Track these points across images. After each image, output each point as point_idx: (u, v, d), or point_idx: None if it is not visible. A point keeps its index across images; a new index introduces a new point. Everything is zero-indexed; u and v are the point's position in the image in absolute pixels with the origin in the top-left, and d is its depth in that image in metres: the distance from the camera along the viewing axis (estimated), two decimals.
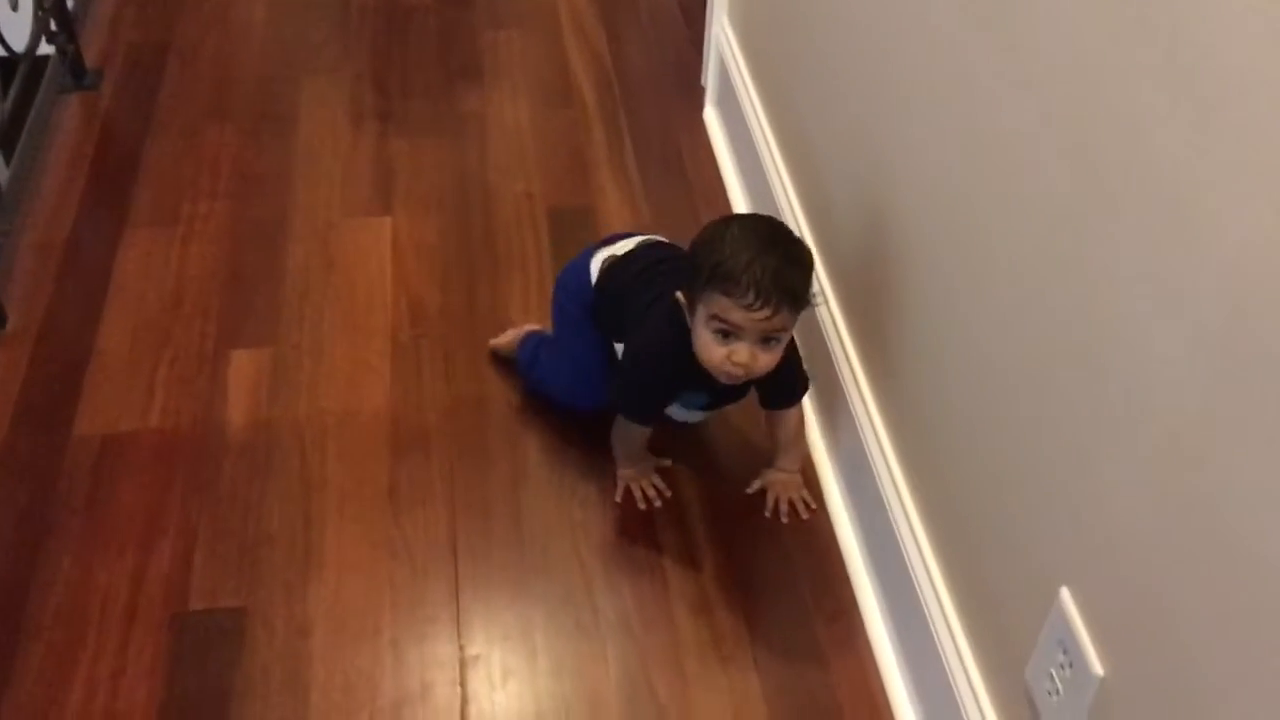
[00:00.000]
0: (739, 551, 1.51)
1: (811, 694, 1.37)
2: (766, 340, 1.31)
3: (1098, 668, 0.95)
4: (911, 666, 1.35)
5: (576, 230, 1.97)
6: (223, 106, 2.24)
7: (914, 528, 1.32)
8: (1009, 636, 1.11)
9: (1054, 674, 1.01)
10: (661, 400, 1.48)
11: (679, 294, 1.36)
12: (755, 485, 1.57)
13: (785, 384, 1.48)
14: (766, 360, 1.32)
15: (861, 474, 1.46)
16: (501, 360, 1.73)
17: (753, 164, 1.93)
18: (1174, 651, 0.85)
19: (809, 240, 1.67)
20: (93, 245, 1.92)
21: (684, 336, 1.36)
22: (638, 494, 1.54)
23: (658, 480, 1.56)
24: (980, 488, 1.16)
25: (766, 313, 1.27)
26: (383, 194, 2.05)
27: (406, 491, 1.58)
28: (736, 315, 1.28)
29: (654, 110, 2.27)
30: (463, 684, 1.37)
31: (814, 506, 1.54)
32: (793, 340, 1.40)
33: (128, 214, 1.99)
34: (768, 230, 1.33)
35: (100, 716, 1.32)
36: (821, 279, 1.64)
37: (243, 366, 1.74)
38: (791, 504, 1.54)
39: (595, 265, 1.54)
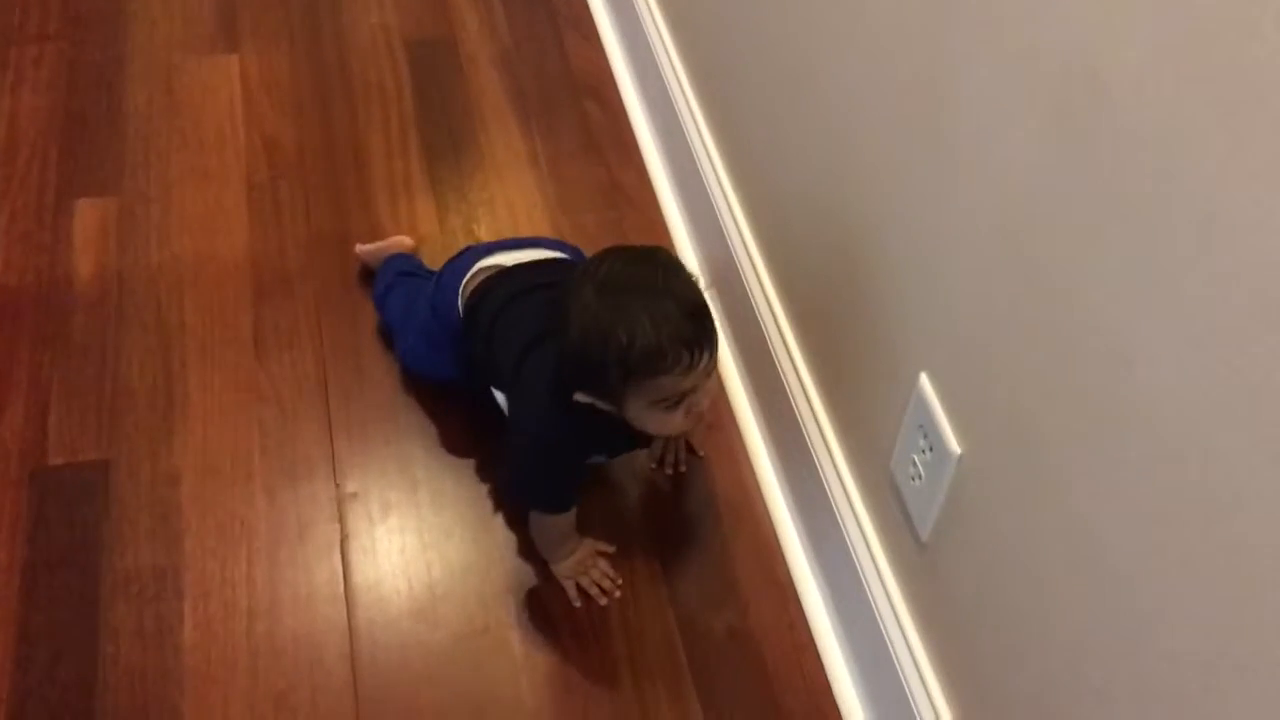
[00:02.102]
0: None
1: (687, 501, 1.39)
2: (709, 373, 1.13)
3: (955, 446, 0.96)
4: (786, 469, 1.37)
5: (437, 62, 1.89)
6: None
7: (783, 331, 1.33)
8: (875, 430, 1.12)
9: (916, 459, 1.03)
10: (570, 484, 1.25)
11: (579, 398, 1.14)
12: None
13: None
14: (715, 384, 1.18)
15: (732, 284, 1.45)
16: (366, 274, 1.57)
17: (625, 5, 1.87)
18: (1024, 428, 0.86)
19: (683, 78, 1.63)
20: None
21: (573, 414, 1.15)
22: (593, 591, 1.29)
23: (605, 566, 1.31)
24: (840, 283, 1.16)
25: (706, 357, 1.09)
26: (227, 31, 1.94)
27: (271, 336, 1.53)
28: (685, 384, 1.09)
29: None
30: (341, 521, 1.36)
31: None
32: None
33: None
34: (634, 273, 1.10)
35: None
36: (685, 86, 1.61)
37: (88, 216, 1.65)
38: None
39: (461, 291, 1.33)
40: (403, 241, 1.58)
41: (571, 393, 1.13)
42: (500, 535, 1.35)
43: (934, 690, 1.06)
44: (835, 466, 1.22)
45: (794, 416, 1.29)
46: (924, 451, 1.01)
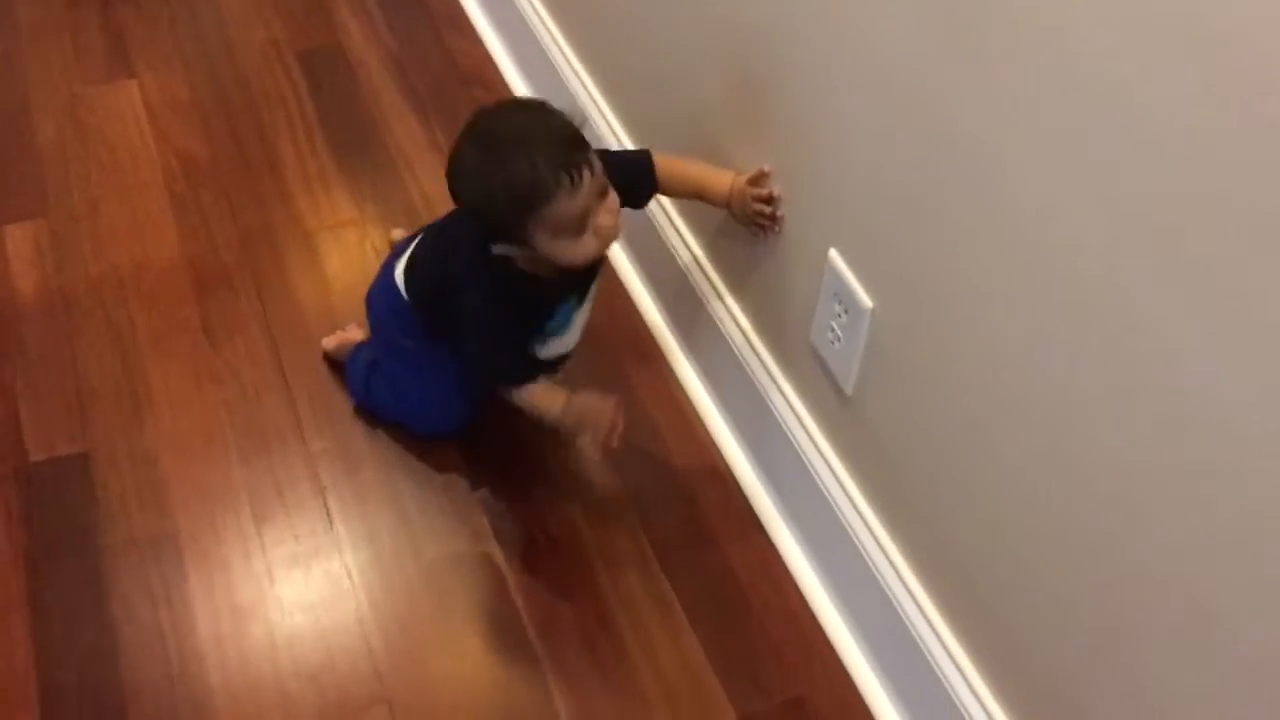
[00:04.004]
0: None
1: (628, 425, 1.55)
2: (603, 193, 1.22)
3: (867, 301, 1.14)
4: (710, 378, 1.53)
5: (329, 69, 2.02)
6: None
7: (690, 246, 1.50)
8: (791, 310, 1.30)
9: (833, 325, 1.21)
10: (524, 345, 1.34)
11: (494, 250, 1.26)
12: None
13: (630, 170, 1.34)
14: (615, 202, 1.24)
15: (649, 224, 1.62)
16: (337, 365, 1.58)
17: None
18: (924, 278, 1.05)
19: (575, 60, 1.78)
20: None
21: (503, 273, 1.27)
22: (602, 438, 1.32)
23: (606, 409, 1.31)
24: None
25: (587, 175, 1.18)
26: (121, 59, 2.03)
27: (220, 324, 1.63)
28: (575, 205, 1.18)
29: None
30: (317, 476, 1.47)
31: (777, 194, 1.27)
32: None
33: None
34: (506, 122, 1.22)
35: None
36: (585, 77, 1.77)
37: (19, 241, 1.72)
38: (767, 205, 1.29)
39: (399, 278, 1.43)
40: (352, 335, 1.58)
41: (489, 249, 1.25)
42: (468, 459, 1.49)
43: (873, 524, 1.24)
44: (756, 353, 1.39)
45: (714, 324, 1.46)
46: (840, 315, 1.19)
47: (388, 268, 1.46)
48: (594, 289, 1.39)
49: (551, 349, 1.38)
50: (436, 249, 1.40)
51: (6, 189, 1.80)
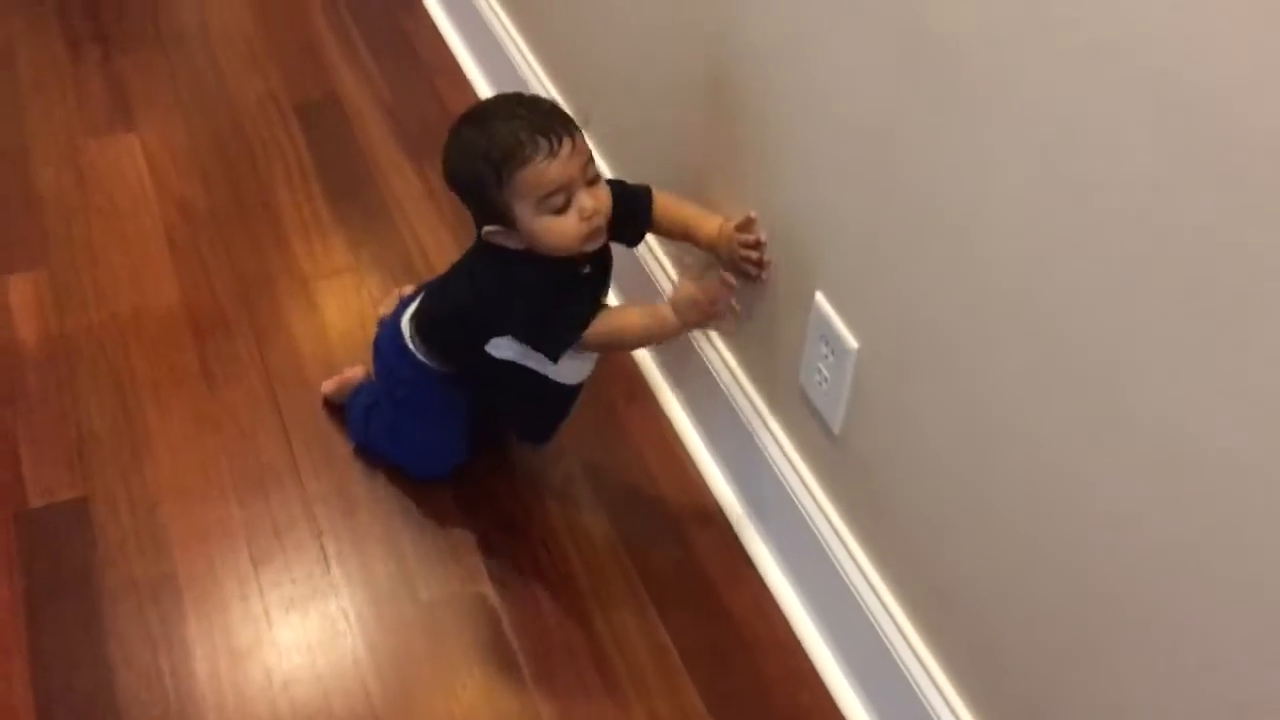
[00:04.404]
0: None
1: (620, 466, 1.57)
2: (591, 182, 1.26)
3: (852, 342, 1.17)
4: (700, 418, 1.56)
5: (325, 119, 2.06)
6: None
7: None
8: (780, 355, 1.33)
9: (820, 366, 1.24)
10: (564, 300, 1.30)
11: (484, 230, 1.28)
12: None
13: (630, 202, 1.36)
14: (604, 194, 1.27)
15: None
16: (336, 408, 1.61)
17: (484, 37, 2.06)
18: (907, 318, 1.08)
19: (563, 101, 1.83)
20: None
21: (512, 258, 1.29)
22: (719, 314, 1.29)
23: (711, 289, 1.27)
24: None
25: (569, 146, 1.22)
26: (122, 111, 2.07)
27: (218, 369, 1.66)
28: (553, 171, 1.21)
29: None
30: (313, 518, 1.49)
31: (763, 239, 1.29)
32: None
33: None
34: (494, 103, 1.30)
35: None
36: None
37: (22, 291, 1.75)
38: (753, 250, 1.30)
39: (405, 327, 1.44)
40: (357, 373, 1.60)
41: (482, 232, 1.28)
42: (463, 501, 1.51)
43: (863, 562, 1.26)
44: (745, 393, 1.42)
45: (705, 367, 1.49)
46: (827, 357, 1.22)
47: (395, 318, 1.48)
48: (606, 294, 1.39)
49: (566, 372, 1.37)
50: (446, 283, 1.42)
51: (9, 239, 1.83)
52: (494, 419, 1.53)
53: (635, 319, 1.32)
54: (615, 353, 1.57)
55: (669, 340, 1.37)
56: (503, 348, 1.34)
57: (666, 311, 1.29)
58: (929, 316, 1.05)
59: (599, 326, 1.30)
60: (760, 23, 1.19)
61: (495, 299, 1.31)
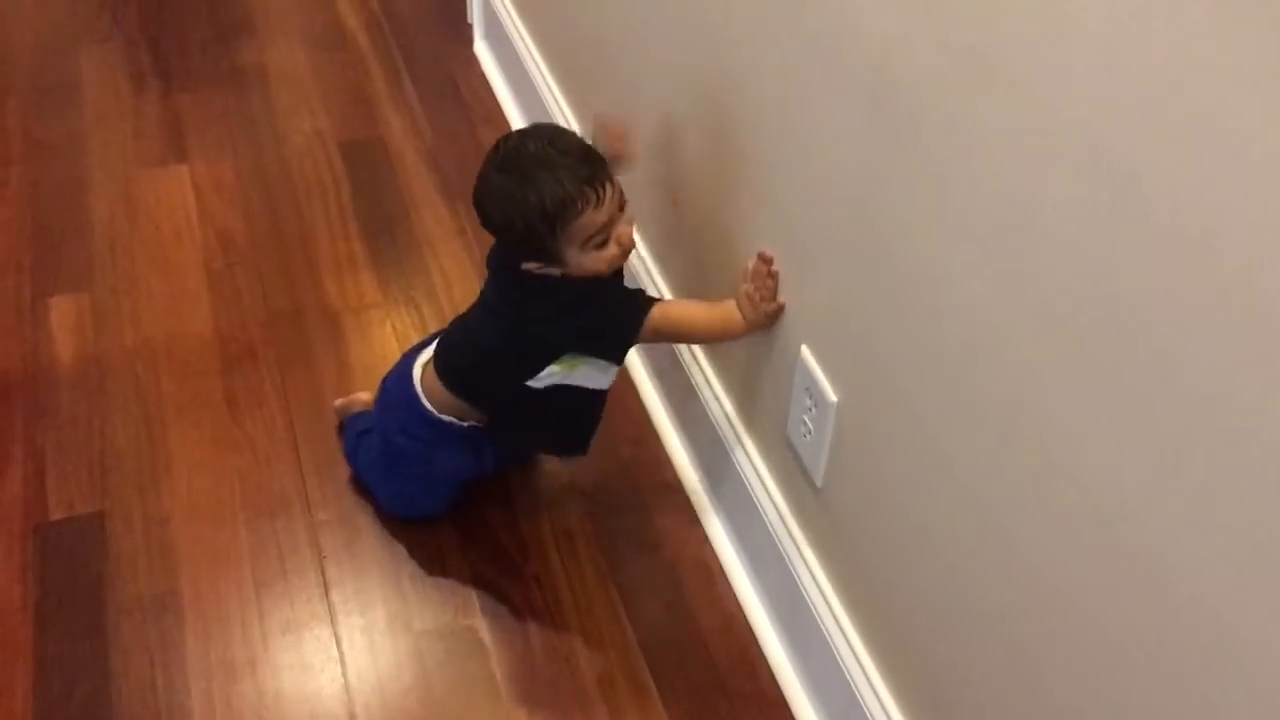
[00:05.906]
0: None
1: (621, 509, 1.59)
2: (622, 205, 1.32)
3: (832, 395, 1.19)
4: (704, 468, 1.58)
5: (368, 159, 2.13)
6: (2, 83, 2.30)
7: (694, 352, 1.55)
8: (770, 406, 1.34)
9: (805, 419, 1.25)
10: (620, 289, 1.39)
11: (527, 266, 1.32)
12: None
13: None
14: (633, 216, 1.33)
15: None
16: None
17: (529, 91, 2.12)
18: (884, 375, 1.10)
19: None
20: None
21: (558, 288, 1.33)
22: (771, 293, 1.29)
23: (757, 273, 1.28)
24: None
25: (610, 190, 1.28)
26: (176, 145, 2.16)
27: (242, 397, 1.71)
28: (601, 216, 1.27)
29: (425, 48, 2.44)
30: (318, 544, 1.53)
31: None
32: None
33: None
34: (525, 147, 1.29)
35: None
36: None
37: (64, 311, 1.83)
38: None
39: (416, 370, 1.48)
40: (361, 397, 1.66)
41: (522, 267, 1.31)
42: (463, 533, 1.54)
43: (838, 611, 1.27)
44: (741, 443, 1.43)
45: (707, 416, 1.51)
46: (810, 409, 1.24)
47: (408, 359, 1.51)
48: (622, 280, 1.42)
49: (591, 378, 1.41)
50: (481, 325, 1.43)
51: (57, 262, 1.91)
52: (509, 444, 1.55)
53: (700, 315, 1.37)
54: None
55: (730, 338, 1.37)
56: (545, 376, 1.39)
57: (722, 308, 1.34)
58: (904, 372, 1.06)
59: (658, 324, 1.35)
60: (757, 86, 1.22)
61: (555, 322, 1.36)
